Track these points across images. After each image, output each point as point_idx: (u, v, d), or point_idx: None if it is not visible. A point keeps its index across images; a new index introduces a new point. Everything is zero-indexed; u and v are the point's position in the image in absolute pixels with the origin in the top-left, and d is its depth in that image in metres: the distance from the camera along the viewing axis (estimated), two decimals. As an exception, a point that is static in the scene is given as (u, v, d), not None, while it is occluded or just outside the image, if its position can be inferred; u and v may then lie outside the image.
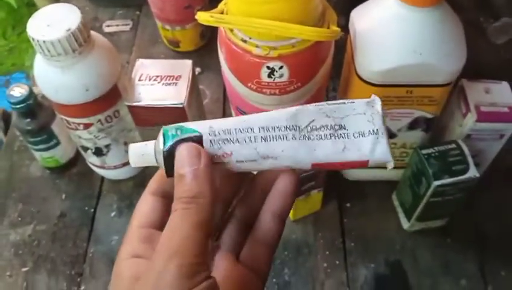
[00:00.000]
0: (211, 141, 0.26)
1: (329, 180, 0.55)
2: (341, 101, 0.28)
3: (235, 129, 0.26)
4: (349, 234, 0.56)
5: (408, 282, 0.53)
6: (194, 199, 0.24)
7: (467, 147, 0.49)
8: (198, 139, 0.26)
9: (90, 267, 0.55)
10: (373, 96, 0.28)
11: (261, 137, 0.27)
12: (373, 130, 0.27)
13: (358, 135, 0.27)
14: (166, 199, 0.29)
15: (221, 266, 0.29)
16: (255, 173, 0.30)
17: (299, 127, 0.27)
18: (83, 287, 0.53)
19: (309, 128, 0.27)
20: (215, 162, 0.26)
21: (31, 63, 0.46)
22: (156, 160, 0.26)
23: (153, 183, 0.30)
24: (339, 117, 0.27)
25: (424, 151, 0.49)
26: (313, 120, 0.27)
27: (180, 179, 0.25)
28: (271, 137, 0.27)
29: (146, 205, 0.29)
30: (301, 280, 0.53)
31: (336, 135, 0.27)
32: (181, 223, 0.24)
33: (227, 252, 0.29)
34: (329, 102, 0.28)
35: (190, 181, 0.25)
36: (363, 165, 0.27)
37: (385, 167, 0.27)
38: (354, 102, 0.28)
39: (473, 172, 0.48)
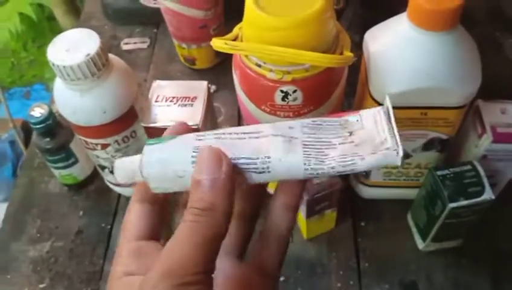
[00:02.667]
0: None
1: (343, 198, 0.55)
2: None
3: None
4: (363, 254, 0.56)
5: (423, 303, 0.53)
6: (207, 211, 0.22)
7: (483, 168, 0.49)
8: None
9: (106, 284, 0.55)
10: (381, 108, 0.27)
11: None
12: None
13: None
14: (156, 204, 0.27)
15: None
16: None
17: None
18: (99, 304, 0.54)
19: None
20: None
21: (51, 75, 0.48)
22: (142, 174, 0.25)
23: (139, 189, 0.27)
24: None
25: (439, 173, 0.49)
26: None
27: (196, 186, 0.23)
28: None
29: (133, 215, 0.27)
30: (315, 299, 0.53)
31: None
32: (186, 238, 0.22)
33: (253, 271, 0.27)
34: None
35: (207, 190, 0.22)
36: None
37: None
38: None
39: (488, 194, 0.47)
